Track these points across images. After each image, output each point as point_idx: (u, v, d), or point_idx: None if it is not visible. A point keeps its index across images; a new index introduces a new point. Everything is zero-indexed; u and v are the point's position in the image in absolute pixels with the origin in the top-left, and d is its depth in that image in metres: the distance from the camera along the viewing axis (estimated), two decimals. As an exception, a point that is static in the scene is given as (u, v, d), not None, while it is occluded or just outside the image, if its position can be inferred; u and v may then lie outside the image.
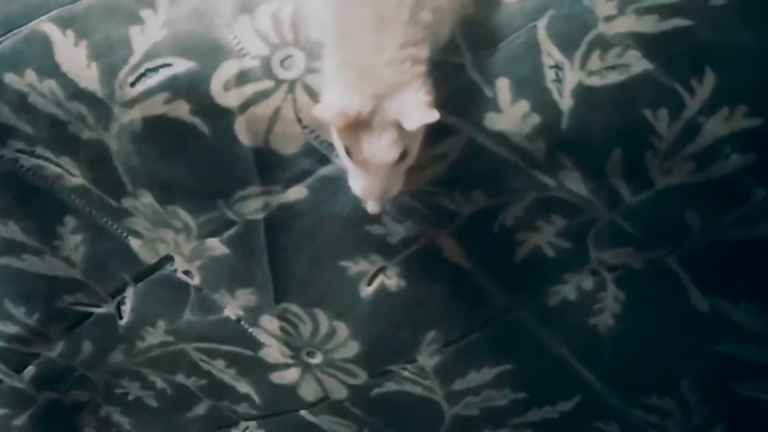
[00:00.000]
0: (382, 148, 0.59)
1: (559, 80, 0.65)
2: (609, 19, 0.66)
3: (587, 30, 0.65)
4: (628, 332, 0.76)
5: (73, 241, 0.79)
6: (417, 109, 0.57)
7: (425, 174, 0.69)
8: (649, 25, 0.65)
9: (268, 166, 0.71)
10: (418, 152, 0.64)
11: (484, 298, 0.77)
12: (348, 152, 0.61)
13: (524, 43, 0.66)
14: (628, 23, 0.65)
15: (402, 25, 0.57)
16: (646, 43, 0.65)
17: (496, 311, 0.77)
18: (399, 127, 0.58)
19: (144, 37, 0.67)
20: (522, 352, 0.80)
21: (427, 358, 0.80)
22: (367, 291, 0.77)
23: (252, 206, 0.74)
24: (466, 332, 0.79)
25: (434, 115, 0.57)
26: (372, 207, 0.63)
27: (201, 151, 0.70)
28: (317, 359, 0.83)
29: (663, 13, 0.65)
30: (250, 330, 0.82)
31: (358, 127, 0.58)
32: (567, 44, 0.65)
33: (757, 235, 0.68)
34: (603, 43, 0.65)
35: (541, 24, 0.66)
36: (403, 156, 0.60)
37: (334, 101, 0.58)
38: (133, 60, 0.68)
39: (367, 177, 0.61)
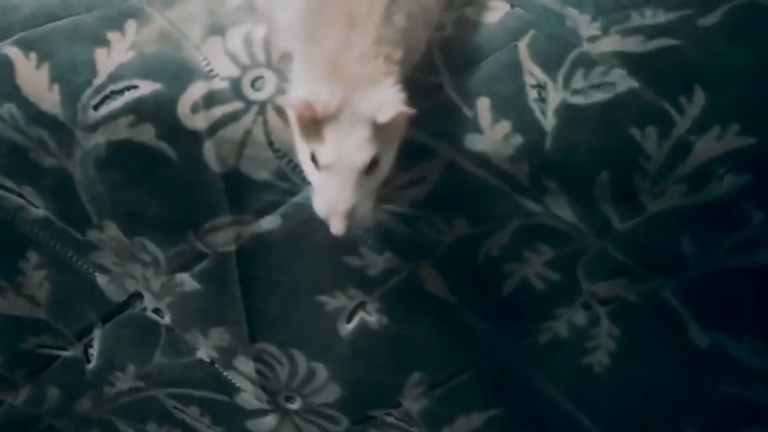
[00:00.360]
0: (351, 147, 0.55)
1: (542, 99, 0.62)
2: (593, 39, 0.64)
3: (570, 49, 0.63)
4: (625, 372, 0.72)
5: (37, 277, 0.75)
6: (390, 102, 0.54)
7: (404, 200, 0.65)
8: (634, 44, 0.64)
9: (239, 193, 0.67)
10: (394, 172, 0.60)
11: (470, 336, 0.73)
12: (313, 158, 0.57)
13: (505, 63, 0.64)
14: (612, 43, 0.64)
15: (375, 23, 0.55)
16: (631, 61, 0.63)
17: (485, 351, 0.73)
18: (371, 125, 0.55)
19: (110, 59, 0.65)
20: (513, 395, 0.75)
21: (413, 402, 0.76)
22: (346, 329, 0.73)
23: (223, 237, 0.70)
24: (453, 374, 0.74)
25: (409, 110, 0.54)
26: (336, 227, 0.56)
27: (168, 177, 0.67)
28: (296, 404, 0.78)
29: (648, 34, 0.64)
30: (224, 373, 0.78)
31: (324, 122, 0.54)
32: (549, 63, 0.63)
33: (756, 263, 0.64)
34: (587, 62, 0.63)
35: (523, 44, 0.64)
36: (374, 164, 0.56)
37: (301, 93, 0.54)
38: (97, 82, 0.65)
39: (333, 186, 0.56)
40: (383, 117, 0.54)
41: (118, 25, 0.66)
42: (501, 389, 0.75)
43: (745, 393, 0.70)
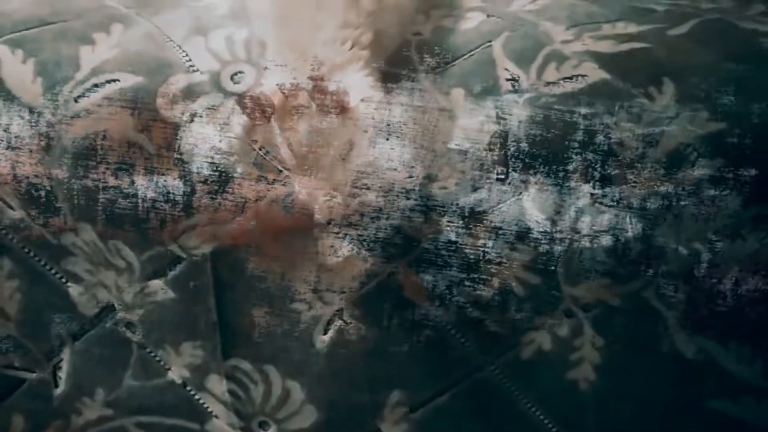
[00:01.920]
0: (324, 136, 0.56)
1: (516, 91, 0.63)
2: (565, 42, 0.66)
3: (542, 46, 0.65)
4: (611, 388, 0.69)
5: (8, 288, 0.73)
6: (360, 84, 0.55)
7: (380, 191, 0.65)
8: (605, 47, 0.65)
9: (216, 188, 0.67)
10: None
11: (451, 350, 0.70)
12: (290, 148, 0.58)
13: (480, 60, 0.66)
14: (584, 45, 0.66)
15: (342, 5, 0.57)
16: (602, 58, 0.65)
17: (466, 368, 0.70)
18: (342, 109, 0.55)
19: (94, 55, 0.67)
20: (496, 419, 0.72)
21: (392, 427, 0.73)
22: (322, 341, 0.71)
23: (199, 238, 0.69)
24: (434, 394, 0.71)
25: (376, 94, 0.55)
26: (318, 211, 0.59)
27: (145, 172, 0.67)
28: (270, 432, 0.74)
29: (620, 39, 0.66)
30: (196, 396, 0.75)
31: (297, 111, 0.55)
32: (523, 59, 0.65)
33: (736, 255, 0.63)
34: (559, 57, 0.65)
35: (497, 43, 0.66)
36: (349, 148, 0.57)
37: (272, 82, 0.56)
38: (80, 75, 0.67)
39: (312, 173, 0.58)
40: (353, 101, 0.55)
41: (104, 27, 0.68)
42: (484, 413, 0.72)
43: (736, 409, 0.68)
